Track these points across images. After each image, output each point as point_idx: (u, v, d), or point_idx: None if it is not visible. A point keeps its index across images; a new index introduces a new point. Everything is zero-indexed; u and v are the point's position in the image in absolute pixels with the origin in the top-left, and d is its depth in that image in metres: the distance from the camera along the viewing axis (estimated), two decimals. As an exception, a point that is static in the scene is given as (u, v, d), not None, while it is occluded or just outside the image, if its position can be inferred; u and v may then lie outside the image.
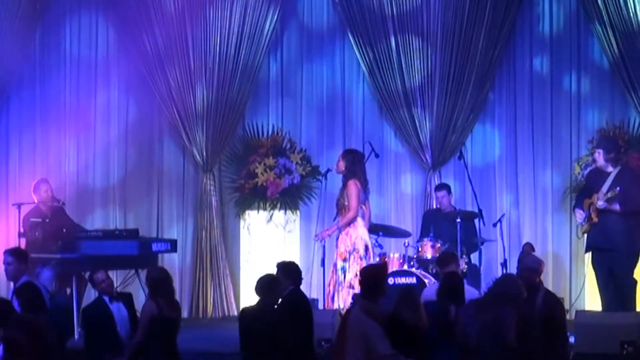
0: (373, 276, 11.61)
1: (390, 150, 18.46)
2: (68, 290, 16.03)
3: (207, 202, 18.42)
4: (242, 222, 18.36)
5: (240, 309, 13.41)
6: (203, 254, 18.35)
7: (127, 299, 13.22)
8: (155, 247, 16.57)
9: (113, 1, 18.71)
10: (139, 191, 18.81)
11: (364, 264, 15.10)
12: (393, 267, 16.10)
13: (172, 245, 17.04)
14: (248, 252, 18.08)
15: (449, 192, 17.33)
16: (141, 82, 18.63)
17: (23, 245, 16.27)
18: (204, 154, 18.42)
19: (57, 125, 18.78)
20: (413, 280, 15.67)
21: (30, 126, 18.95)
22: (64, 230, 16.52)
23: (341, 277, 15.65)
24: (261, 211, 18.17)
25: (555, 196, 18.16)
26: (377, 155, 17.23)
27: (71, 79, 18.86)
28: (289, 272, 12.95)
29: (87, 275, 15.90)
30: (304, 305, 13.10)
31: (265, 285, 12.57)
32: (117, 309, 12.99)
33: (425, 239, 16.46)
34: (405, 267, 16.05)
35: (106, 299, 13.05)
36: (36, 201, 16.92)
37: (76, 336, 15.33)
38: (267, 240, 18.07)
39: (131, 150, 18.80)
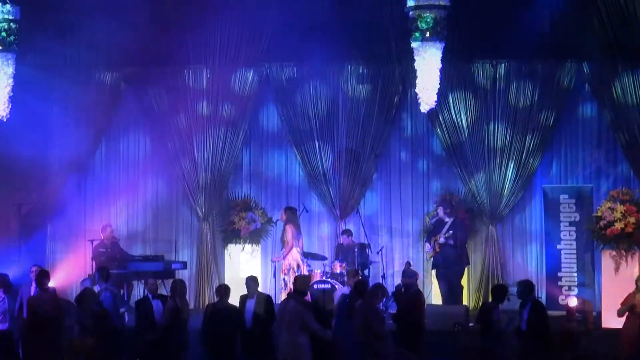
0: (301, 282, 11.81)
1: (315, 208, 18.34)
2: (121, 291, 15.84)
3: (205, 239, 18.27)
4: (226, 251, 18.13)
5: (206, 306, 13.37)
6: (202, 270, 18.16)
7: (163, 299, 13.14)
8: (173, 266, 16.81)
9: (151, 117, 18.47)
10: (164, 232, 18.70)
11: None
12: (316, 278, 16.19)
13: (184, 265, 17.28)
14: (230, 270, 17.90)
15: (349, 235, 17.17)
16: (166, 169, 18.61)
17: (94, 267, 16.30)
18: (203, 210, 18.30)
19: (114, 193, 18.74)
20: (328, 286, 15.95)
21: (100, 192, 18.76)
22: (118, 256, 16.85)
23: (283, 285, 16.21)
24: (237, 244, 17.96)
25: (414, 235, 18.16)
26: (307, 211, 17.71)
27: (128, 166, 18.78)
28: (256, 281, 13.16)
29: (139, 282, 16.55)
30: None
31: (225, 289, 12.82)
32: (156, 305, 12.95)
33: (336, 261, 16.60)
34: (324, 278, 16.24)
35: (150, 296, 13.09)
36: (102, 238, 17.07)
37: (126, 319, 15.13)
38: (241, 262, 17.86)
39: (160, 208, 18.75)
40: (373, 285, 12.86)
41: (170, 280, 15.29)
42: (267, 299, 13.15)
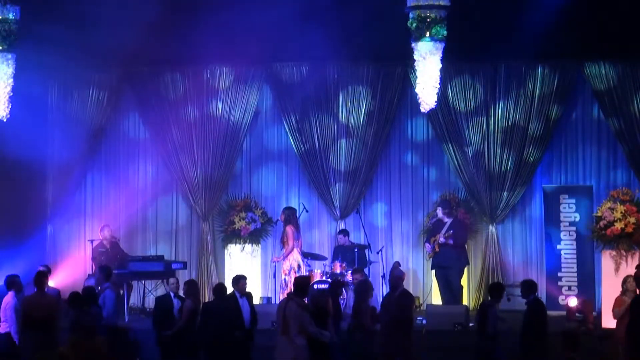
0: (302, 283, 11.79)
1: (315, 208, 18.41)
2: (121, 291, 15.70)
3: (205, 239, 18.36)
4: (226, 251, 18.15)
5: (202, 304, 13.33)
6: (202, 270, 18.26)
7: (182, 299, 13.07)
8: (173, 266, 16.83)
9: (151, 117, 18.53)
10: (164, 232, 18.75)
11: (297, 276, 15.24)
12: (316, 278, 16.22)
13: (184, 265, 17.40)
14: (230, 270, 17.64)
15: (345, 234, 17.23)
16: (165, 169, 18.67)
17: (94, 267, 16.45)
18: (203, 210, 18.38)
19: (114, 193, 18.76)
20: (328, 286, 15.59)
21: (98, 191, 18.85)
22: (118, 256, 17.00)
23: (284, 285, 16.17)
24: (237, 245, 17.97)
25: (414, 235, 18.24)
26: (307, 211, 17.76)
27: (128, 167, 18.79)
28: (246, 279, 13.09)
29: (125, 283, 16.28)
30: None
31: (221, 288, 12.97)
32: (177, 302, 13.00)
33: (336, 261, 16.61)
34: (324, 278, 16.28)
35: (172, 294, 13.14)
36: (101, 238, 17.27)
37: (126, 319, 15.67)
38: (241, 263, 17.85)
39: (160, 208, 18.78)
40: (358, 285, 12.87)
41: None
42: (251, 295, 13.27)
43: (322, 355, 11.48)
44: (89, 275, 16.26)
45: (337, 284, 13.25)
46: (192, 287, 13.14)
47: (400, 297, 12.33)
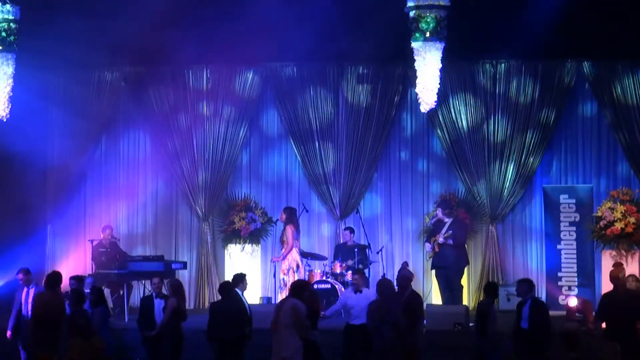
0: (299, 286, 11.76)
1: (315, 208, 18.45)
2: (121, 291, 16.35)
3: (205, 239, 18.40)
4: (226, 252, 18.23)
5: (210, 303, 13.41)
6: (202, 271, 18.32)
7: (166, 299, 13.00)
8: (173, 266, 16.83)
9: (151, 117, 18.52)
10: (164, 233, 18.75)
11: (296, 277, 15.83)
12: (317, 278, 16.30)
13: (184, 265, 17.35)
14: (230, 270, 17.50)
15: (351, 232, 17.20)
16: (165, 169, 18.70)
17: (94, 267, 16.63)
18: (203, 210, 18.41)
19: (114, 193, 18.79)
20: (328, 286, 16.14)
21: (98, 191, 18.85)
22: (118, 256, 17.03)
23: (282, 284, 16.12)
24: (237, 245, 18.03)
25: (414, 235, 18.26)
26: (307, 211, 17.77)
27: (128, 166, 18.81)
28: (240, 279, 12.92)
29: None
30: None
31: (226, 287, 12.76)
32: (159, 303, 12.91)
33: (336, 261, 16.70)
34: (324, 278, 16.40)
35: (154, 294, 13.11)
36: (101, 238, 17.29)
37: (126, 319, 15.71)
38: (241, 262, 17.85)
39: (160, 209, 18.79)
40: (381, 284, 12.64)
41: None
42: None
43: (312, 354, 11.53)
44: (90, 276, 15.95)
45: (387, 284, 12.79)
46: (177, 287, 13.07)
47: (410, 299, 12.30)
